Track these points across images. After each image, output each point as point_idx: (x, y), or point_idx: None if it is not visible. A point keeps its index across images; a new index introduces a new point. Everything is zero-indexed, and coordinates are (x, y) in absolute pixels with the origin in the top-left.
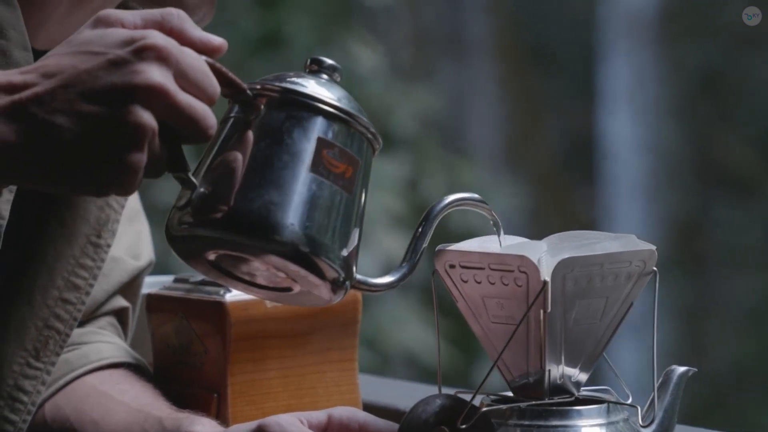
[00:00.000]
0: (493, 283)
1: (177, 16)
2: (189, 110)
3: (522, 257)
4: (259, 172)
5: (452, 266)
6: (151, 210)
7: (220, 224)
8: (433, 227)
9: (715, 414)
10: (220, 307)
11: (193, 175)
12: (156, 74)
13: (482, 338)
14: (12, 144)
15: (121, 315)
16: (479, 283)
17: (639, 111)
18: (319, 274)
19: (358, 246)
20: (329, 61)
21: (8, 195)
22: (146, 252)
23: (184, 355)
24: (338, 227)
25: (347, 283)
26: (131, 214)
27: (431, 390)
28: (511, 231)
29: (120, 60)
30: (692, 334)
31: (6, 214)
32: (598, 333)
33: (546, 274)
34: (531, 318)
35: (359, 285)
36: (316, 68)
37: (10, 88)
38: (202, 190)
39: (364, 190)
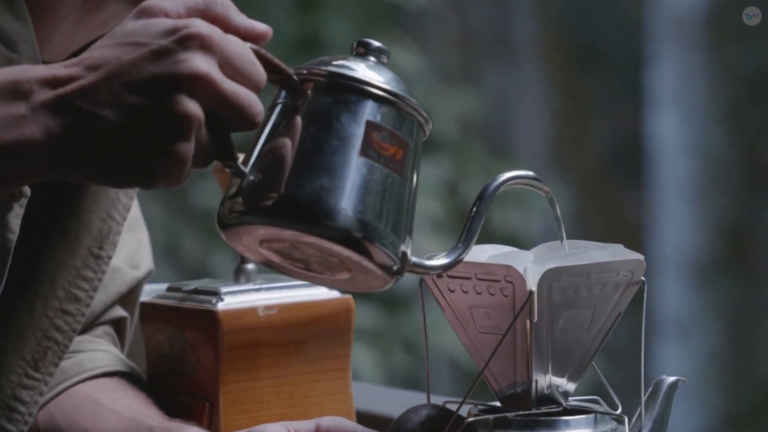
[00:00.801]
0: (479, 293)
1: (221, 3)
2: (235, 98)
3: (508, 267)
4: (309, 158)
5: (439, 276)
6: (188, 212)
7: (272, 211)
8: (488, 207)
9: (764, 418)
10: (212, 316)
11: (242, 163)
12: (200, 63)
13: (470, 348)
14: (58, 137)
15: (118, 325)
16: (466, 292)
17: (686, 113)
18: (372, 258)
19: (411, 229)
20: (376, 44)
21: (19, 210)
22: (145, 261)
23: (177, 363)
24: (391, 211)
25: (402, 266)
26: (131, 223)
27: (438, 399)
28: (556, 234)
29: (164, 50)
30: (741, 337)
31: (16, 228)
32: (586, 343)
33: (532, 284)
34: (517, 328)
35: (414, 268)
36: (362, 51)
37: (55, 82)
38: (251, 178)
39: (415, 173)
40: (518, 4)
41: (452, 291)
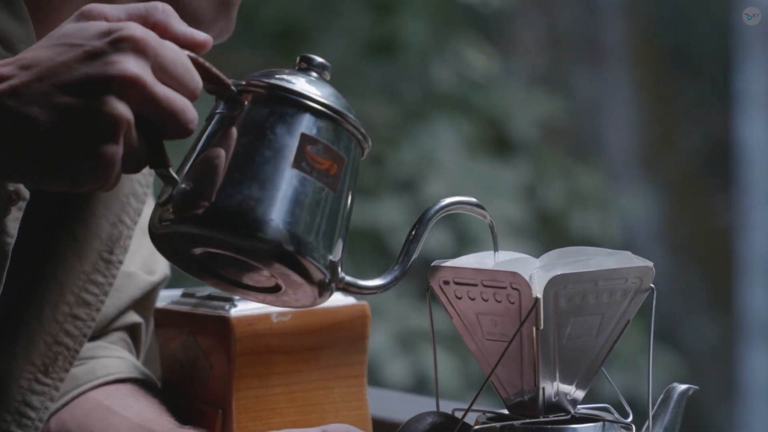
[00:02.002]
0: (486, 300)
1: (162, 10)
2: (167, 103)
3: (514, 274)
4: (241, 168)
5: (446, 282)
6: None
7: (200, 220)
8: (428, 230)
9: None
10: (224, 322)
11: (177, 172)
12: (131, 65)
13: (477, 356)
14: None
15: (133, 330)
16: (473, 299)
17: None
18: (303, 273)
19: (344, 246)
20: (319, 59)
21: (17, 213)
22: (161, 266)
23: (190, 370)
24: (323, 225)
25: (332, 282)
26: (146, 228)
27: (448, 405)
28: (645, 238)
29: (96, 51)
30: None
31: (14, 232)
32: (595, 350)
33: (538, 291)
34: (524, 335)
35: (347, 286)
36: (305, 66)
37: None
38: (183, 186)
39: (351, 190)
40: (607, 6)
41: (459, 298)
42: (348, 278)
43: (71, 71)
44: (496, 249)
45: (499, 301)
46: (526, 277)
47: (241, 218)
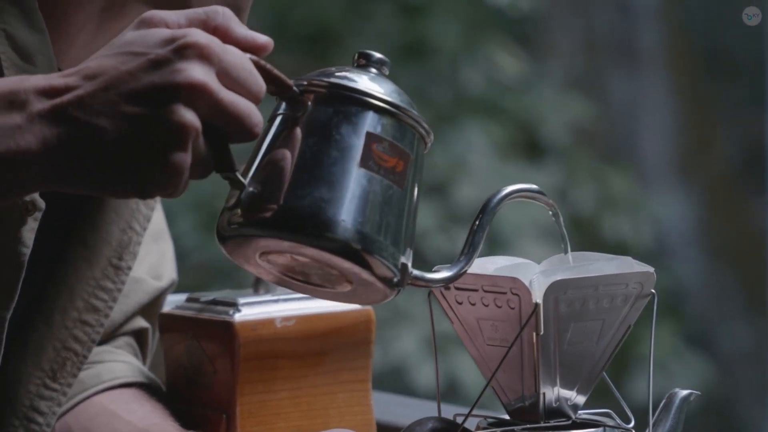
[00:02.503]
0: (486, 305)
1: (222, 14)
2: (233, 108)
3: (514, 279)
4: (308, 169)
5: (447, 288)
6: None
7: (270, 223)
8: (491, 219)
9: None
10: (228, 327)
11: (241, 174)
12: (198, 72)
13: (478, 361)
14: (55, 147)
15: (139, 335)
16: (473, 305)
17: None
18: (372, 271)
19: (413, 241)
20: (378, 55)
21: (33, 224)
22: (168, 272)
23: (195, 375)
24: (391, 223)
25: (402, 279)
26: (156, 233)
27: (447, 409)
28: (680, 241)
29: (161, 59)
30: None
31: (30, 243)
32: (596, 356)
33: (538, 296)
34: (524, 340)
35: (415, 281)
36: (364, 62)
37: (52, 92)
38: (251, 189)
39: (416, 185)
40: (643, 10)
41: (460, 303)
42: (416, 272)
43: (137, 80)
44: (563, 236)
45: (500, 307)
46: (526, 283)
47: (312, 220)
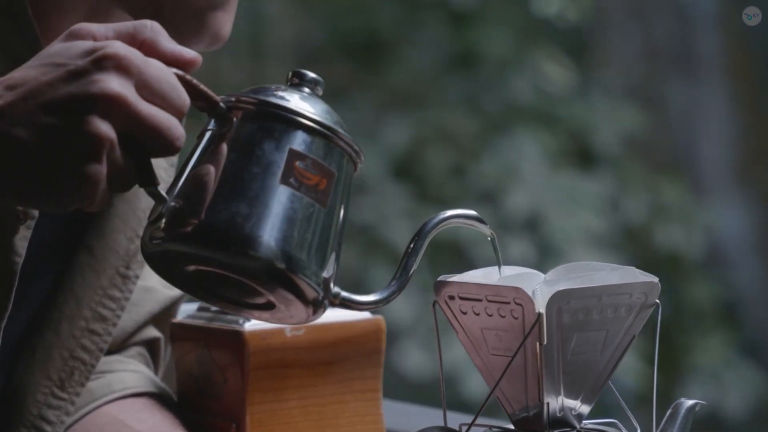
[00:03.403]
0: (490, 315)
1: (150, 28)
2: (152, 121)
3: (517, 289)
4: (229, 185)
5: (451, 297)
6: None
7: (189, 238)
8: (426, 244)
9: None
10: (238, 336)
11: (168, 190)
12: (114, 83)
13: (482, 371)
14: None
15: (151, 345)
16: (478, 314)
17: None
18: (294, 290)
19: (338, 261)
20: (311, 74)
21: (25, 231)
22: None
23: (205, 384)
24: (314, 241)
25: (326, 300)
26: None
27: (457, 418)
28: (737, 250)
29: (80, 70)
30: None
31: (22, 251)
32: (600, 365)
33: (541, 306)
34: (528, 350)
35: (343, 302)
36: (297, 81)
37: None
38: (172, 204)
39: (343, 206)
40: (702, 17)
41: (464, 313)
42: (344, 294)
43: (54, 90)
44: (499, 263)
45: (503, 317)
46: (529, 293)
47: (230, 235)
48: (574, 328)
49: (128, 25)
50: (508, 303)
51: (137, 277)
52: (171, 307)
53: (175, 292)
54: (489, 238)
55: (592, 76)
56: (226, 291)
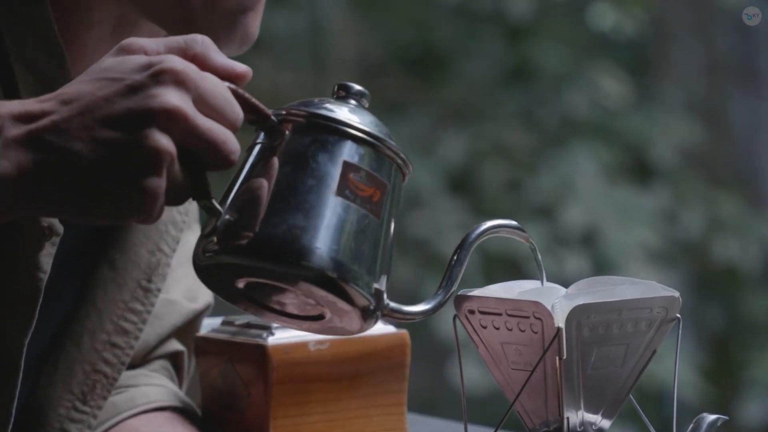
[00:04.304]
0: (510, 329)
1: (201, 42)
2: (209, 134)
3: (536, 303)
4: (284, 197)
5: (471, 312)
6: (401, 241)
7: (245, 251)
8: (470, 254)
9: None
10: (261, 350)
11: (220, 203)
12: (173, 97)
13: (503, 385)
14: (30, 173)
15: (175, 359)
16: (498, 329)
17: None
18: (348, 300)
19: (389, 272)
20: (357, 87)
21: (50, 248)
22: (204, 294)
23: (229, 398)
24: (367, 252)
25: (377, 309)
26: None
27: (474, 430)
28: None
29: (137, 85)
30: None
31: (47, 268)
32: (620, 380)
33: (560, 321)
34: (547, 364)
35: (392, 313)
36: (343, 94)
37: (27, 117)
38: (227, 217)
39: (393, 216)
40: (764, 31)
41: (484, 327)
42: (393, 304)
43: (113, 105)
44: (541, 273)
45: (523, 331)
46: (549, 307)
47: (287, 247)
48: (594, 343)
49: (179, 39)
50: (528, 317)
51: (159, 290)
52: (194, 321)
53: (198, 305)
54: (530, 248)
55: (651, 90)
56: (278, 303)
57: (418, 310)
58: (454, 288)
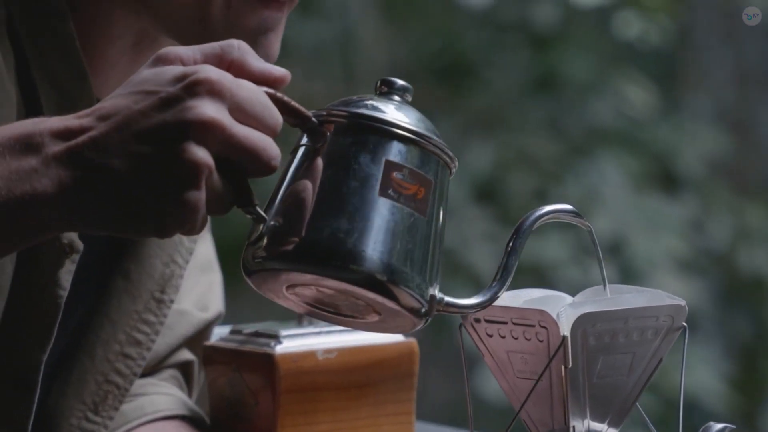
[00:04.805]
0: (516, 338)
1: (237, 48)
2: (247, 142)
3: (541, 312)
4: (328, 200)
5: (477, 321)
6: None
7: (292, 256)
8: (525, 242)
9: None
10: (269, 359)
11: (265, 208)
12: (208, 108)
13: (509, 394)
14: (70, 190)
15: (185, 368)
16: (503, 337)
17: None
18: (398, 300)
19: (438, 268)
20: (400, 82)
21: (70, 266)
22: (215, 304)
23: (237, 407)
24: (415, 250)
25: (430, 307)
26: (204, 265)
27: None
28: None
29: (172, 97)
30: None
31: (67, 285)
32: (626, 389)
33: (566, 329)
34: (553, 373)
35: (447, 307)
36: (386, 90)
37: (67, 134)
38: (272, 222)
39: (441, 212)
40: None
41: (490, 336)
42: (447, 299)
43: (148, 119)
44: (598, 258)
45: (529, 339)
46: (554, 315)
47: (332, 252)
48: (600, 351)
49: (215, 46)
50: (533, 326)
51: (172, 301)
52: (205, 330)
53: (209, 314)
54: (588, 232)
55: (678, 99)
56: (330, 306)
57: (474, 302)
58: (509, 278)
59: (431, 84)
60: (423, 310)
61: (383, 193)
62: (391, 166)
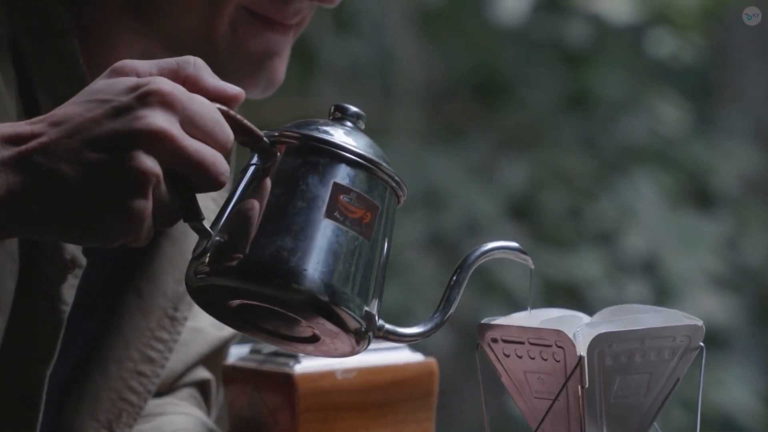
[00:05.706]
0: (533, 358)
1: (193, 64)
2: (197, 156)
3: (558, 332)
4: (273, 219)
5: (495, 340)
6: None
7: (234, 272)
8: (468, 276)
9: None
10: (288, 379)
11: (212, 224)
12: (159, 119)
13: (526, 414)
14: (18, 194)
15: (203, 387)
16: (520, 357)
17: None
18: (337, 322)
19: (381, 294)
20: (353, 109)
21: (73, 280)
22: None
23: (257, 427)
24: (358, 274)
25: (370, 332)
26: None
27: None
28: None
29: (124, 106)
30: None
31: (70, 300)
32: (643, 409)
33: (582, 349)
34: (570, 393)
35: (387, 334)
36: (339, 115)
37: (18, 139)
38: (217, 238)
39: (386, 238)
40: None
41: (507, 356)
42: (388, 326)
43: (99, 127)
44: (530, 297)
45: (545, 359)
46: (571, 335)
47: (275, 270)
48: (617, 371)
49: (171, 61)
50: (550, 346)
51: (185, 318)
52: (221, 348)
53: (225, 332)
54: (530, 271)
55: (712, 117)
56: (271, 324)
57: (414, 332)
58: (451, 311)
59: (466, 101)
60: (362, 331)
61: (329, 215)
62: (338, 188)
